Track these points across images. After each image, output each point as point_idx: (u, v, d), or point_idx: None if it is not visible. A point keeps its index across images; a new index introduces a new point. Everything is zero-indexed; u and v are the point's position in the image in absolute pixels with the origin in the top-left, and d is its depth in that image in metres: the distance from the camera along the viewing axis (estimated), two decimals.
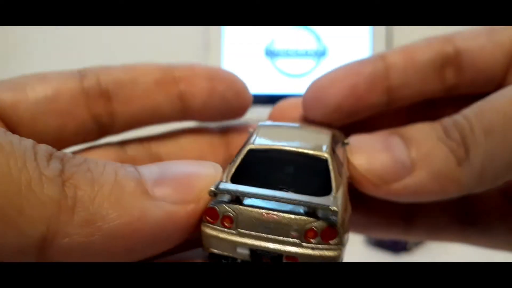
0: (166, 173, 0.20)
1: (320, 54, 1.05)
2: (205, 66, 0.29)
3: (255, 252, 0.19)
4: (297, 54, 1.07)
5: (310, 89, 0.28)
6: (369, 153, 0.26)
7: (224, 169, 0.22)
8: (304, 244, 0.19)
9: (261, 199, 0.19)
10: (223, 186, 0.19)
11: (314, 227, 0.19)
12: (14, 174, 0.16)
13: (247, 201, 0.19)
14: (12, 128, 0.25)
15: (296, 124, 0.28)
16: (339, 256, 0.19)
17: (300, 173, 0.21)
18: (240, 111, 0.30)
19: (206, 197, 0.20)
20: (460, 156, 0.24)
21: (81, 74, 0.27)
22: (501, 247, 0.31)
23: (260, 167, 0.21)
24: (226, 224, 0.19)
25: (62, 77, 0.26)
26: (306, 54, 1.07)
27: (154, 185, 0.19)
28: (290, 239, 0.19)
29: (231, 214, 0.19)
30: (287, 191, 0.20)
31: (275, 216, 0.19)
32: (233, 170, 0.21)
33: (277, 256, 0.19)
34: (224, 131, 0.31)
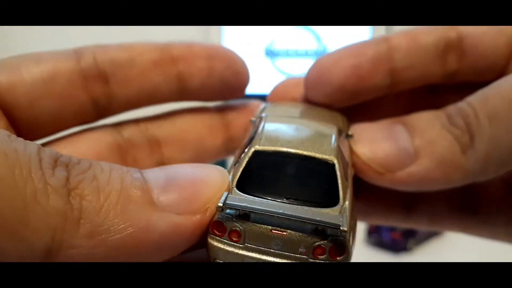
0: (172, 179, 0.19)
1: (320, 54, 1.05)
2: (203, 44, 0.28)
3: None
4: (297, 54, 1.07)
5: (313, 68, 0.28)
6: (372, 142, 0.25)
7: (230, 166, 0.22)
8: (311, 260, 0.19)
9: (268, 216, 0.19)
10: (231, 200, 0.19)
11: (323, 244, 0.19)
12: (20, 186, 0.16)
13: (255, 215, 0.19)
14: (9, 111, 0.24)
15: (299, 109, 0.27)
16: None
17: (307, 178, 0.21)
18: (238, 90, 0.29)
19: (212, 207, 0.19)
20: (464, 144, 0.23)
21: (77, 53, 0.26)
22: (500, 238, 0.31)
23: (265, 171, 0.21)
24: (233, 238, 0.19)
25: (58, 57, 0.25)
26: (306, 54, 1.07)
27: (160, 193, 0.19)
28: (298, 255, 0.19)
29: (238, 229, 0.19)
30: (295, 200, 0.20)
31: (283, 233, 0.19)
32: (239, 174, 0.21)
33: None
34: (223, 110, 0.30)
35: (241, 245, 0.19)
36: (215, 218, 0.19)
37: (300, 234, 0.19)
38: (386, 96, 0.28)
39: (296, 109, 0.27)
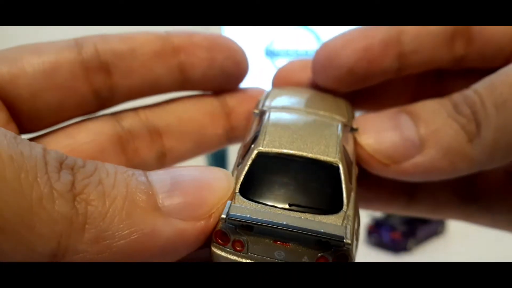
0: (177, 183, 0.19)
1: None
2: (204, 34, 0.28)
3: None
4: (297, 54, 1.07)
5: (321, 50, 0.27)
6: (377, 133, 0.25)
7: (234, 166, 0.22)
8: None
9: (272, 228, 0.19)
10: (234, 212, 0.19)
11: (326, 255, 0.19)
12: (25, 190, 0.16)
13: (258, 227, 0.19)
14: (11, 104, 0.24)
15: (304, 97, 0.26)
16: None
17: (311, 181, 0.21)
18: (238, 80, 0.29)
19: (217, 213, 0.19)
20: (471, 132, 0.23)
21: (78, 44, 0.26)
22: (501, 226, 0.30)
23: (269, 175, 0.21)
24: (237, 248, 0.19)
25: (59, 49, 0.25)
26: (306, 54, 1.07)
27: (165, 198, 0.18)
28: None
29: (242, 240, 0.19)
30: (298, 207, 0.19)
31: (287, 245, 0.19)
32: (242, 178, 0.20)
33: None
34: (224, 98, 0.29)
35: (244, 255, 0.19)
36: (219, 227, 0.19)
37: (303, 245, 0.19)
38: (392, 81, 0.28)
39: (300, 98, 0.26)
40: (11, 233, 0.16)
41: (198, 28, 0.29)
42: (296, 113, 0.24)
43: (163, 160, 0.28)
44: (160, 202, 0.18)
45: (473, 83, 0.24)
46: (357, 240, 0.20)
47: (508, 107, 0.22)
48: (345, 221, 0.19)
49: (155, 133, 0.28)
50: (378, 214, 0.99)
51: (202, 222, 0.19)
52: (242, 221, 0.19)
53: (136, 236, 0.17)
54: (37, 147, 0.17)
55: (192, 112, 0.29)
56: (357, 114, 0.27)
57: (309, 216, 0.19)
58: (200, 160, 1.11)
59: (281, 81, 0.29)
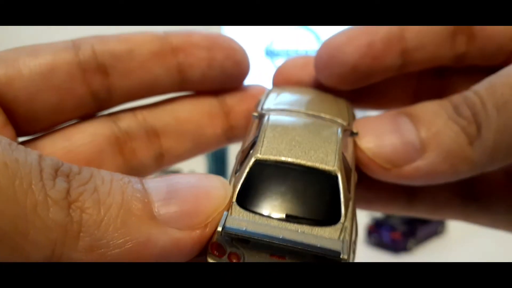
0: (173, 191, 0.19)
1: None
2: (203, 34, 0.28)
3: None
4: (297, 54, 1.07)
5: (324, 48, 0.26)
6: (377, 136, 0.25)
7: (231, 173, 0.22)
8: None
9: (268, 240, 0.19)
10: (230, 225, 0.19)
11: None
12: (20, 198, 0.16)
13: (254, 241, 0.19)
14: (7, 106, 0.24)
15: (304, 98, 0.26)
16: None
17: (309, 190, 0.20)
18: (239, 80, 0.29)
19: (213, 223, 0.19)
20: (471, 134, 0.23)
21: (75, 45, 0.25)
22: (500, 226, 0.30)
23: (266, 183, 0.20)
24: (233, 260, 0.19)
25: (56, 50, 0.25)
26: (306, 54, 1.07)
27: (161, 206, 0.18)
28: None
29: (238, 252, 0.19)
30: (295, 218, 0.19)
31: (283, 259, 0.19)
32: (239, 187, 0.20)
33: None
34: (223, 97, 0.29)
35: None
36: (215, 239, 0.19)
37: (300, 259, 0.19)
38: (394, 79, 0.28)
39: (300, 99, 0.26)
40: (5, 241, 0.16)
41: (198, 28, 0.29)
42: (295, 117, 0.24)
43: (161, 160, 0.28)
44: (156, 210, 0.18)
45: (474, 81, 0.24)
46: (354, 252, 0.20)
47: (509, 108, 0.22)
48: (342, 234, 0.19)
49: (152, 133, 0.28)
50: (378, 214, 0.99)
51: (198, 231, 0.19)
52: (238, 235, 0.18)
53: (131, 245, 0.17)
54: (33, 153, 0.17)
55: (190, 112, 0.28)
56: (359, 113, 0.27)
57: (306, 228, 0.19)
58: (200, 161, 1.11)
59: (282, 79, 0.29)
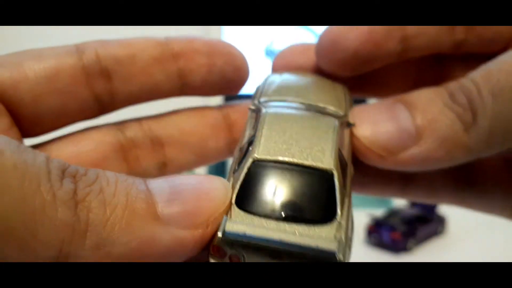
0: (176, 192, 0.19)
1: None
2: (204, 40, 0.28)
3: None
4: None
5: (326, 34, 0.27)
6: (373, 124, 0.25)
7: (229, 172, 0.22)
8: None
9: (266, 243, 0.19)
10: (230, 230, 0.19)
11: None
12: (29, 198, 0.16)
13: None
14: (13, 109, 0.24)
15: (302, 85, 0.26)
16: None
17: (305, 189, 0.21)
18: (239, 85, 0.29)
19: (214, 222, 0.19)
20: (467, 121, 0.23)
21: (79, 50, 0.26)
22: (496, 212, 0.30)
23: (264, 183, 0.21)
24: (234, 261, 0.19)
25: (60, 54, 0.25)
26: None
27: (164, 206, 0.19)
28: None
29: (238, 254, 0.19)
30: (293, 217, 0.20)
31: (282, 260, 0.19)
32: (238, 187, 0.21)
33: None
34: (227, 111, 0.30)
35: None
36: (215, 243, 0.19)
37: (299, 260, 0.19)
38: (393, 65, 0.28)
39: (298, 88, 0.26)
40: (16, 240, 0.16)
41: (198, 28, 0.29)
42: (293, 110, 0.24)
43: (164, 169, 0.28)
44: (160, 210, 0.19)
45: (473, 69, 0.24)
46: (350, 249, 0.21)
47: (505, 95, 0.22)
48: (338, 232, 0.19)
49: (157, 143, 0.28)
50: (378, 214, 0.99)
51: (200, 230, 0.19)
52: (238, 240, 0.19)
53: (135, 243, 0.18)
54: (41, 155, 0.18)
55: (195, 124, 0.29)
56: (356, 103, 0.27)
57: (303, 228, 0.19)
58: None
59: (281, 64, 0.29)
